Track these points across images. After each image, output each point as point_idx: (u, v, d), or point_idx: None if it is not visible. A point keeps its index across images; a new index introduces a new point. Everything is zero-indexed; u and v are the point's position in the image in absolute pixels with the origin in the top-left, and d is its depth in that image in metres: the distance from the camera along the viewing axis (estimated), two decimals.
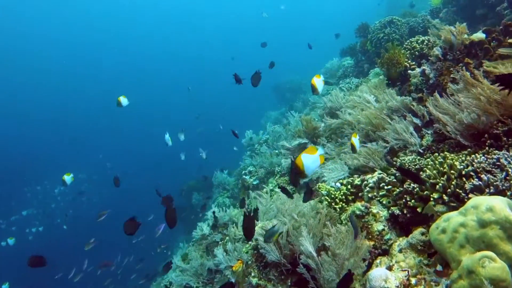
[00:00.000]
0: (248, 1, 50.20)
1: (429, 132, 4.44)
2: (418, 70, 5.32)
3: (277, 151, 8.93)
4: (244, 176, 8.78)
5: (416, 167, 3.91)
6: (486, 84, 3.61)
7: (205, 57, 52.27)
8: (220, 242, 5.94)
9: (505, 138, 3.40)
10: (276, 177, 6.93)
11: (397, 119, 4.59)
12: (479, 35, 5.34)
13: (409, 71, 5.37)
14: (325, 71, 11.33)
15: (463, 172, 3.31)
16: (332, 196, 4.26)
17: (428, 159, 3.77)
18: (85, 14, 43.73)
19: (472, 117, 3.55)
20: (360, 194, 4.24)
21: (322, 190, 4.51)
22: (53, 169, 23.76)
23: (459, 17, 8.17)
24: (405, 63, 5.46)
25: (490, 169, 3.20)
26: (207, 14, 52.37)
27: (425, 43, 5.52)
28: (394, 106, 4.76)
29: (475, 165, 3.28)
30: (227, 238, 5.70)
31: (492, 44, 4.40)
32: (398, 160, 4.13)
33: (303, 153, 2.93)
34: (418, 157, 4.07)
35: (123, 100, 5.72)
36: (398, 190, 3.76)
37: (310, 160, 2.92)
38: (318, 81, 4.03)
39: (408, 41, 5.76)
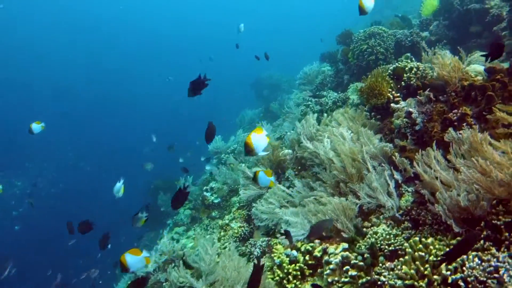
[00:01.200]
0: None
1: (409, 190, 3.56)
2: (403, 104, 4.40)
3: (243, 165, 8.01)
4: (204, 193, 7.82)
5: (390, 248, 3.02)
6: (492, 154, 2.72)
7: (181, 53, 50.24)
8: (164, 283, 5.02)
9: (506, 233, 2.53)
10: (234, 208, 5.98)
11: (373, 171, 3.68)
12: (478, 68, 4.43)
13: (392, 104, 4.44)
14: (303, 76, 10.33)
15: (449, 280, 2.45)
16: (286, 270, 3.35)
17: (406, 244, 2.89)
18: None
19: (470, 198, 2.66)
20: (319, 270, 3.35)
21: (275, 256, 3.59)
22: None
23: (451, 32, 7.26)
24: (388, 94, 4.52)
25: (484, 279, 2.35)
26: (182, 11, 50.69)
27: (413, 72, 4.58)
28: (371, 153, 3.84)
29: (465, 272, 2.43)
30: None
31: (496, 86, 3.49)
32: (369, 234, 3.24)
33: (252, 133, 3.15)
34: (394, 231, 3.19)
35: (35, 127, 4.83)
36: (365, 279, 2.88)
37: (257, 138, 3.15)
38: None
39: (394, 66, 4.81)
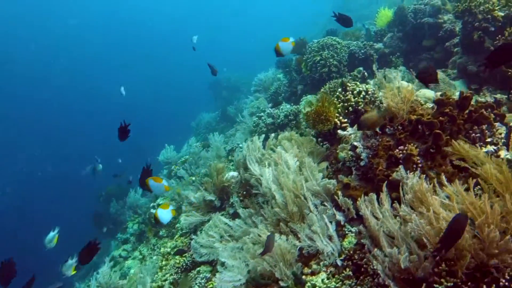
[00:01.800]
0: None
1: (353, 230, 3.27)
2: (350, 131, 4.12)
3: (193, 178, 7.59)
4: (151, 210, 7.35)
5: None
6: (438, 209, 2.45)
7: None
8: None
9: None
10: (177, 235, 5.56)
11: (314, 211, 3.37)
12: (428, 94, 4.21)
13: (339, 131, 4.15)
14: (258, 83, 10.00)
15: None
16: None
17: None
18: None
19: (412, 260, 2.38)
20: None
21: None
22: None
23: (405, 45, 7.09)
24: (336, 120, 4.22)
25: None
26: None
27: (362, 95, 4.30)
28: (314, 190, 3.52)
29: None
30: None
31: (444, 121, 3.25)
32: (308, 283, 2.93)
33: (159, 208, 3.83)
34: (333, 284, 2.89)
35: None
36: None
37: (163, 212, 3.76)
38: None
39: (341, 90, 4.51)
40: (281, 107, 7.03)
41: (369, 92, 4.30)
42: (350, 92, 4.30)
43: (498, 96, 4.48)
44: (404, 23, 7.09)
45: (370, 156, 3.40)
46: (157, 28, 49.59)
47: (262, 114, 7.28)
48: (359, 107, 4.19)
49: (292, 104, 7.83)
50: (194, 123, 13.82)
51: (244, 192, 4.84)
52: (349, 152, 3.63)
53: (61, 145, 31.59)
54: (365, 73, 6.35)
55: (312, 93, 7.31)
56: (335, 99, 4.37)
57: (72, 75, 42.27)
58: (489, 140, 3.37)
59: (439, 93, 4.34)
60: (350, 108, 4.24)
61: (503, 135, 3.55)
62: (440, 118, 3.29)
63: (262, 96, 9.15)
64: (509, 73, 4.55)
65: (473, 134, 3.48)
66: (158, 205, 7.41)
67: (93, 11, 44.88)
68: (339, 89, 4.50)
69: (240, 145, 7.82)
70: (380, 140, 3.42)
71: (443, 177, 2.64)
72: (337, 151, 3.81)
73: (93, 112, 38.09)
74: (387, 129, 3.47)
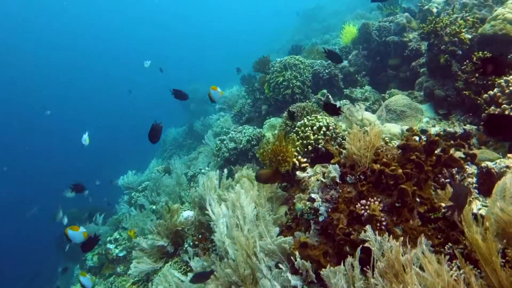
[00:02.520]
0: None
1: None
2: (309, 172, 3.70)
3: (154, 207, 7.07)
4: (108, 245, 6.77)
5: None
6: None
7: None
8: None
9: None
10: (129, 284, 5.03)
11: (268, 274, 2.94)
12: (393, 130, 3.85)
13: (297, 173, 3.73)
14: (222, 101, 9.54)
15: None
16: None
17: None
18: None
19: None
20: None
21: None
22: None
23: (370, 63, 6.77)
24: (294, 160, 3.80)
25: None
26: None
27: (322, 132, 3.89)
28: (268, 249, 3.08)
29: None
30: None
31: (410, 173, 2.86)
32: None
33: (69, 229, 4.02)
34: None
35: None
36: None
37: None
38: None
39: (301, 123, 4.10)
40: (244, 130, 6.58)
41: (330, 128, 3.90)
42: (310, 128, 3.88)
43: (468, 127, 4.15)
44: (369, 40, 6.77)
45: (329, 210, 2.99)
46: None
47: (224, 137, 6.82)
48: (319, 146, 3.78)
49: (255, 126, 7.41)
50: (161, 138, 13.20)
51: (200, 236, 4.38)
52: (307, 203, 3.20)
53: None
54: (329, 96, 5.97)
55: (276, 115, 6.91)
56: (294, 135, 3.96)
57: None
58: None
59: (405, 128, 3.98)
60: (309, 146, 3.82)
61: (474, 180, 3.21)
62: (407, 166, 2.90)
63: (227, 115, 8.69)
64: (478, 100, 4.24)
65: (442, 179, 3.13)
66: (115, 239, 6.85)
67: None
68: (298, 123, 4.09)
69: (203, 171, 7.34)
70: (340, 191, 3.01)
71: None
72: (295, 201, 3.38)
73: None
74: (348, 178, 3.07)
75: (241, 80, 9.31)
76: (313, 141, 3.78)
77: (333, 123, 3.98)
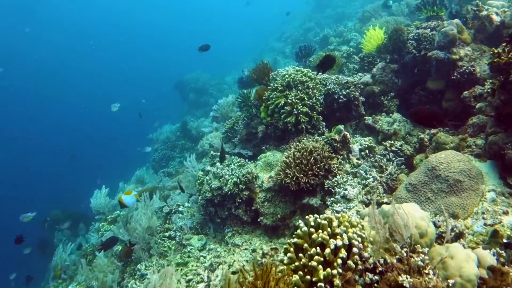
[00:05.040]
0: None
1: None
2: None
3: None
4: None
5: None
6: None
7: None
8: None
9: None
10: None
11: None
12: (420, 223, 2.13)
13: None
14: (216, 108, 7.77)
15: None
16: None
17: None
18: None
19: None
20: None
21: None
22: None
23: (401, 81, 4.96)
24: None
25: None
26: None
27: (340, 258, 2.15)
28: None
29: None
30: None
31: None
32: None
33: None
34: None
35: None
36: None
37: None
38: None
39: (301, 233, 2.35)
40: (232, 166, 4.87)
41: (355, 249, 2.16)
42: (317, 249, 2.14)
43: None
44: (401, 51, 4.92)
45: None
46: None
47: (209, 169, 5.15)
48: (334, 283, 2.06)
49: (249, 151, 5.68)
50: (154, 135, 11.55)
51: None
52: None
53: None
54: (348, 136, 4.20)
55: (275, 144, 5.17)
56: (287, 259, 2.24)
57: None
58: None
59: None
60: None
61: None
62: None
63: (218, 132, 6.95)
64: None
65: None
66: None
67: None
68: (295, 237, 2.36)
69: (181, 208, 5.69)
70: None
71: None
72: None
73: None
74: None
75: (238, 83, 7.52)
76: (322, 279, 2.05)
77: (360, 235, 2.24)
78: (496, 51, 3.11)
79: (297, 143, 4.28)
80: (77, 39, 41.14)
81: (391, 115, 4.78)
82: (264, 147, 5.31)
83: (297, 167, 3.97)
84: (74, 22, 41.76)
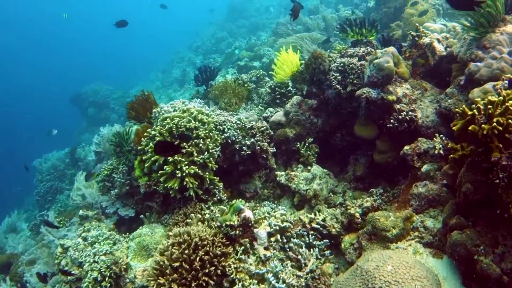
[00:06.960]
0: None
1: None
2: None
3: None
4: None
5: None
6: None
7: None
8: None
9: None
10: None
11: None
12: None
13: None
14: (98, 140, 5.97)
15: None
16: None
17: None
18: None
19: None
20: None
21: None
22: None
23: (321, 120, 3.75)
24: None
25: None
26: None
27: None
28: None
29: None
30: None
31: None
32: None
33: None
34: None
35: None
36: None
37: None
38: None
39: None
40: (95, 249, 3.26)
41: None
42: None
43: None
44: (321, 83, 3.67)
45: None
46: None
47: (69, 245, 3.48)
48: None
49: (131, 210, 4.07)
50: (37, 162, 9.29)
51: None
52: None
53: None
54: (250, 218, 2.79)
55: (159, 208, 3.64)
56: None
57: None
58: None
59: None
60: None
61: None
62: None
63: (95, 180, 5.19)
64: None
65: None
66: None
67: None
68: None
69: None
70: None
71: None
72: None
73: None
74: None
75: (127, 110, 5.82)
76: None
77: None
78: (469, 112, 1.90)
79: (178, 227, 2.80)
80: None
81: (309, 167, 3.52)
82: (148, 204, 3.76)
83: (175, 274, 2.49)
84: None
